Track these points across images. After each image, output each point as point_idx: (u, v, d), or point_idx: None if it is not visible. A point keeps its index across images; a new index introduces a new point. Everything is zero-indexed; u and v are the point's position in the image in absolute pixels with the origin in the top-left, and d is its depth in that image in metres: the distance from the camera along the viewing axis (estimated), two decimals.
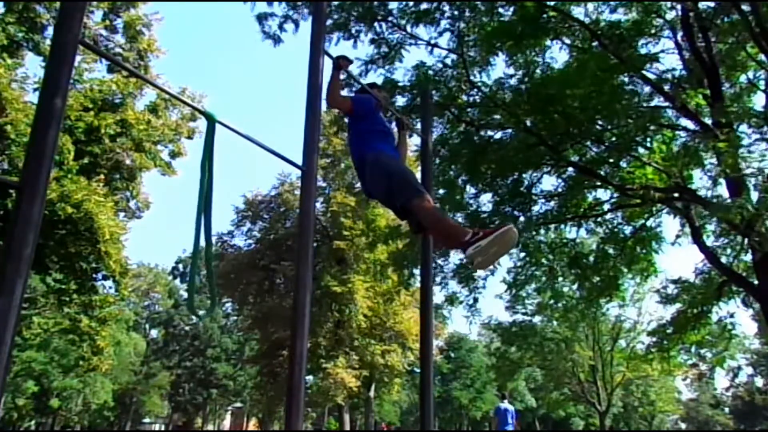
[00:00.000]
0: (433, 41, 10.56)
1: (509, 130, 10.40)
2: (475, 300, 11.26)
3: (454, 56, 10.57)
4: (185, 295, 50.17)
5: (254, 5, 10.82)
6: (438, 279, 11.25)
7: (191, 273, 2.90)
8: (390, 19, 10.54)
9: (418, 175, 4.48)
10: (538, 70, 10.17)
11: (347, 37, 10.52)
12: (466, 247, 3.31)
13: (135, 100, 16.15)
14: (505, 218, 10.77)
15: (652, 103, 10.03)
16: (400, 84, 10.31)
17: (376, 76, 10.76)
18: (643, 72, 9.42)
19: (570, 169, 10.52)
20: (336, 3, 10.63)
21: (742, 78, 10.67)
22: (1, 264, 1.77)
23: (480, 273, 11.08)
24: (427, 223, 3.69)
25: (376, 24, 10.51)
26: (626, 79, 9.70)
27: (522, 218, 10.91)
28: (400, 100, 10.34)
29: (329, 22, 10.22)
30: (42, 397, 36.25)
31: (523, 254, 11.76)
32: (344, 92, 4.91)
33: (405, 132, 4.73)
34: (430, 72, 10.36)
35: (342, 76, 4.19)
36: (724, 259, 10.66)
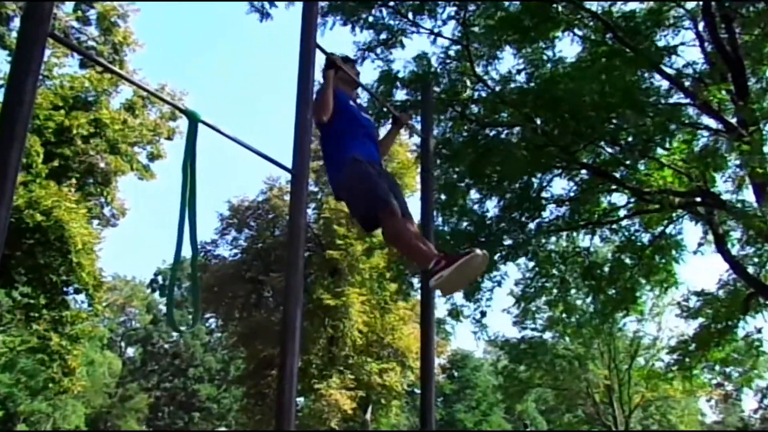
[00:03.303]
0: (436, 30, 10.58)
1: (517, 129, 10.42)
2: (483, 314, 11.25)
3: (458, 47, 10.59)
4: (165, 309, 50.07)
5: None
6: None
7: (170, 284, 2.91)
8: (391, 4, 10.56)
9: (418, 178, 4.49)
10: (547, 65, 10.20)
11: (344, 21, 10.50)
12: (429, 276, 3.40)
13: (110, 98, 16.17)
14: (513, 225, 10.78)
15: (671, 100, 10.07)
16: (400, 77, 10.33)
17: (373, 67, 10.77)
18: (662, 66, 9.45)
19: (583, 171, 10.54)
20: None
21: None
22: None
23: (487, 284, 11.09)
24: (391, 242, 3.75)
25: (374, 10, 10.52)
26: (643, 74, 9.73)
27: (531, 225, 10.92)
28: (399, 95, 10.37)
29: (323, 3, 10.22)
30: (7, 422, 36.06)
31: (532, 264, 11.76)
32: None
33: (398, 129, 4.69)
34: (433, 63, 10.38)
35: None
36: (751, 269, 10.68)
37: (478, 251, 3.37)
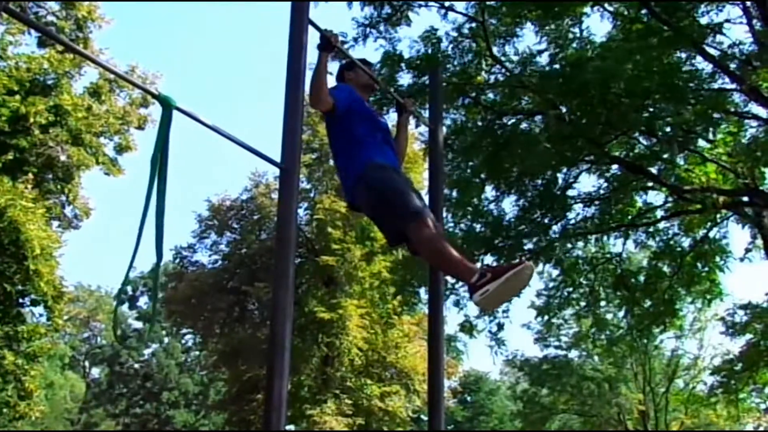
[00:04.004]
0: (447, 3, 10.58)
1: (539, 118, 10.43)
2: (500, 326, 11.24)
3: (472, 23, 10.60)
4: (134, 324, 50.15)
5: None
6: (451, 301, 11.17)
7: (120, 291, 2.92)
8: None
9: (425, 174, 4.49)
10: (574, 45, 10.21)
11: None
12: (473, 291, 3.41)
13: (72, 82, 16.17)
14: (534, 227, 10.77)
15: (715, 86, 10.06)
16: (405, 58, 10.33)
17: (375, 47, 10.77)
18: (704, 47, 9.45)
19: (614, 166, 10.54)
20: None
21: None
22: None
23: None
24: (425, 256, 3.76)
25: None
26: (683, 56, 9.73)
27: (555, 227, 10.92)
28: (405, 79, 10.37)
29: None
30: None
31: (556, 272, 11.77)
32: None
33: (406, 118, 4.68)
34: (443, 42, 10.39)
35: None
36: None
37: (528, 263, 3.44)
